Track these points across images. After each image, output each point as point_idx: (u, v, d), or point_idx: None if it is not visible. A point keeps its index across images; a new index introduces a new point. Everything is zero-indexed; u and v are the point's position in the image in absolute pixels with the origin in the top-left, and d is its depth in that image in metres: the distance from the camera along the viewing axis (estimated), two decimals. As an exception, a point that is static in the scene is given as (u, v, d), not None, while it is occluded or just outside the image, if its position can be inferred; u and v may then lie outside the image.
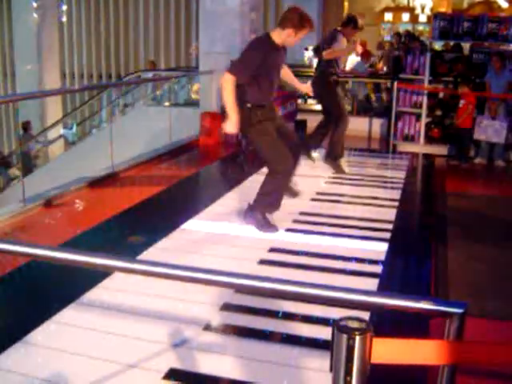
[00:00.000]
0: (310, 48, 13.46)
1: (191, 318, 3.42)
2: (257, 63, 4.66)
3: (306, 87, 5.92)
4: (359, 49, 7.59)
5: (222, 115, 9.13)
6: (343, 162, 7.49)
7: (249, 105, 4.78)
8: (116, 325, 3.29)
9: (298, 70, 12.82)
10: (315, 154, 7.79)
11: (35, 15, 14.99)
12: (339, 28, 7.30)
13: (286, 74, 5.44)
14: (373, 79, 12.72)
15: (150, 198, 5.95)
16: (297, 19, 4.70)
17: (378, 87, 12.49)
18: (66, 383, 2.72)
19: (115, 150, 6.91)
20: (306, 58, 13.88)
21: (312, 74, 8.18)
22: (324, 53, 7.16)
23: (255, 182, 6.51)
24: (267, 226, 4.97)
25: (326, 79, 7.24)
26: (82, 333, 3.20)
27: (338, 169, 7.29)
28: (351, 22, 7.21)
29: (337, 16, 18.97)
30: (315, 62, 8.37)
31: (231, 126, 4.67)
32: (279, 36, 4.77)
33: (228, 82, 4.61)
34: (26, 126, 13.64)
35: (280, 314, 3.47)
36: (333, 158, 7.35)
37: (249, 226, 5.01)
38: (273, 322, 3.40)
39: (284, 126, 5.17)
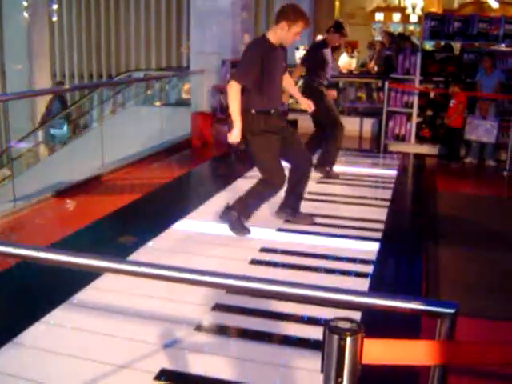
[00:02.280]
0: (301, 48, 13.47)
1: (182, 319, 3.41)
2: (257, 64, 4.54)
3: (306, 103, 5.42)
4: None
5: (213, 115, 9.14)
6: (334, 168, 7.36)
7: (253, 111, 4.65)
8: (106, 325, 3.28)
9: (290, 70, 12.86)
10: None
11: (26, 14, 14.93)
12: (325, 36, 7.25)
13: (288, 82, 5.23)
14: (364, 79, 12.74)
15: (141, 198, 5.94)
16: (290, 12, 4.62)
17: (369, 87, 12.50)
18: (56, 384, 2.71)
19: (106, 151, 6.89)
20: (297, 58, 13.88)
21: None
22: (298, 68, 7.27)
23: (246, 181, 6.51)
24: (241, 227, 4.88)
25: (313, 89, 6.97)
26: (72, 333, 3.18)
27: (332, 175, 7.15)
28: (337, 29, 7.06)
29: (328, 16, 18.97)
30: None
31: (236, 134, 4.56)
32: (274, 33, 4.66)
33: (232, 89, 4.51)
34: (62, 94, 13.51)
35: (271, 315, 3.46)
36: (327, 166, 7.16)
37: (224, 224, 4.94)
38: (264, 322, 3.39)
39: (293, 134, 5.03)
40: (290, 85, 5.35)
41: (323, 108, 6.91)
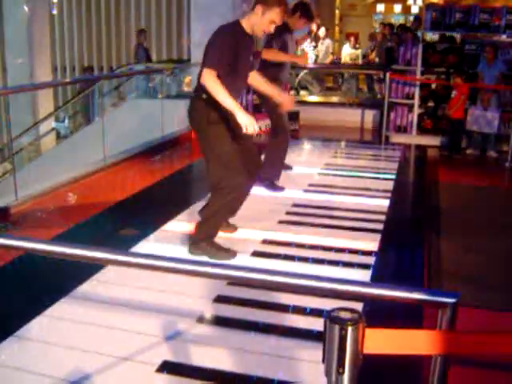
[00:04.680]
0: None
1: (184, 311, 3.42)
2: (230, 49, 3.96)
3: (282, 100, 4.77)
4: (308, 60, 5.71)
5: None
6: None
7: (204, 96, 4.00)
8: (109, 318, 3.29)
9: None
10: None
11: (26, 8, 14.89)
12: (287, 19, 5.70)
13: (255, 78, 4.51)
14: (365, 70, 12.74)
15: (141, 192, 5.93)
16: None
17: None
18: (60, 377, 2.72)
19: (107, 143, 6.89)
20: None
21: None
22: (264, 51, 5.73)
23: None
24: (222, 251, 4.23)
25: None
26: (75, 326, 3.19)
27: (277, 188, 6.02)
28: (303, 12, 5.94)
29: (330, 7, 18.94)
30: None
31: (249, 121, 3.77)
32: (248, 20, 4.11)
33: (210, 77, 3.83)
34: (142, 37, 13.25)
35: (273, 306, 3.47)
36: (273, 179, 6.01)
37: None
38: (266, 313, 3.40)
39: (245, 137, 4.16)
40: (259, 82, 4.62)
41: (270, 110, 5.82)
